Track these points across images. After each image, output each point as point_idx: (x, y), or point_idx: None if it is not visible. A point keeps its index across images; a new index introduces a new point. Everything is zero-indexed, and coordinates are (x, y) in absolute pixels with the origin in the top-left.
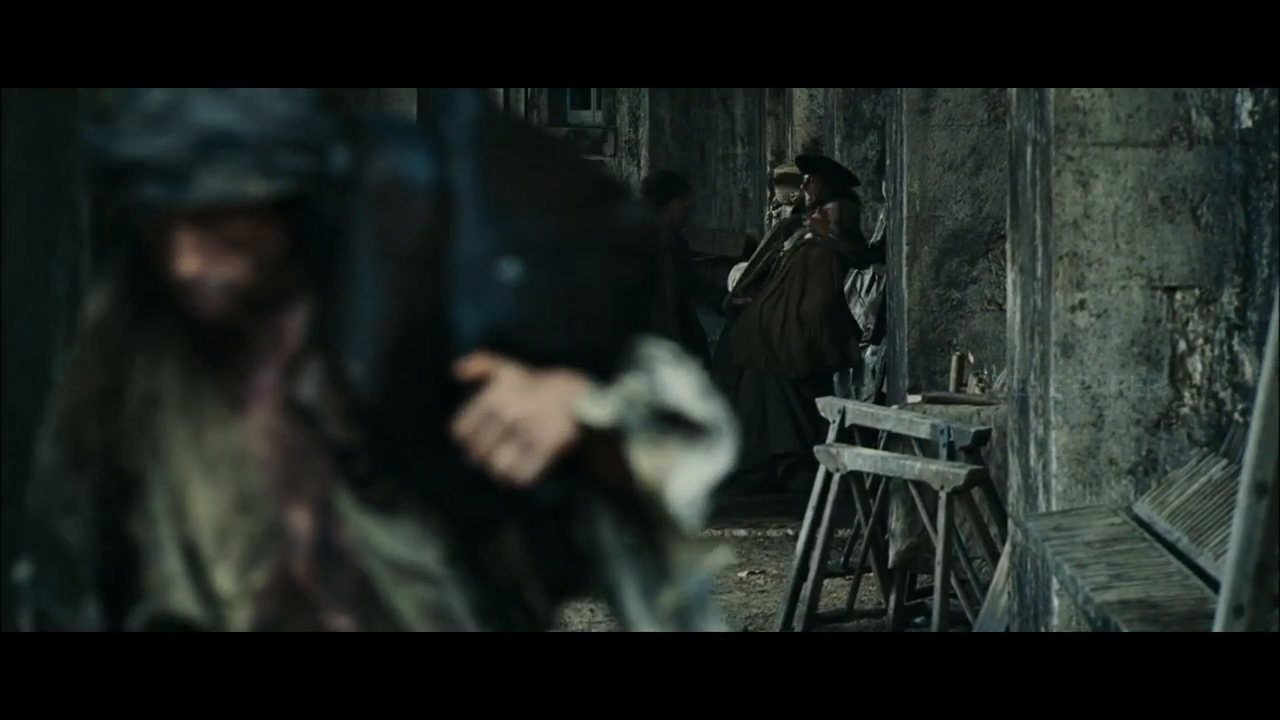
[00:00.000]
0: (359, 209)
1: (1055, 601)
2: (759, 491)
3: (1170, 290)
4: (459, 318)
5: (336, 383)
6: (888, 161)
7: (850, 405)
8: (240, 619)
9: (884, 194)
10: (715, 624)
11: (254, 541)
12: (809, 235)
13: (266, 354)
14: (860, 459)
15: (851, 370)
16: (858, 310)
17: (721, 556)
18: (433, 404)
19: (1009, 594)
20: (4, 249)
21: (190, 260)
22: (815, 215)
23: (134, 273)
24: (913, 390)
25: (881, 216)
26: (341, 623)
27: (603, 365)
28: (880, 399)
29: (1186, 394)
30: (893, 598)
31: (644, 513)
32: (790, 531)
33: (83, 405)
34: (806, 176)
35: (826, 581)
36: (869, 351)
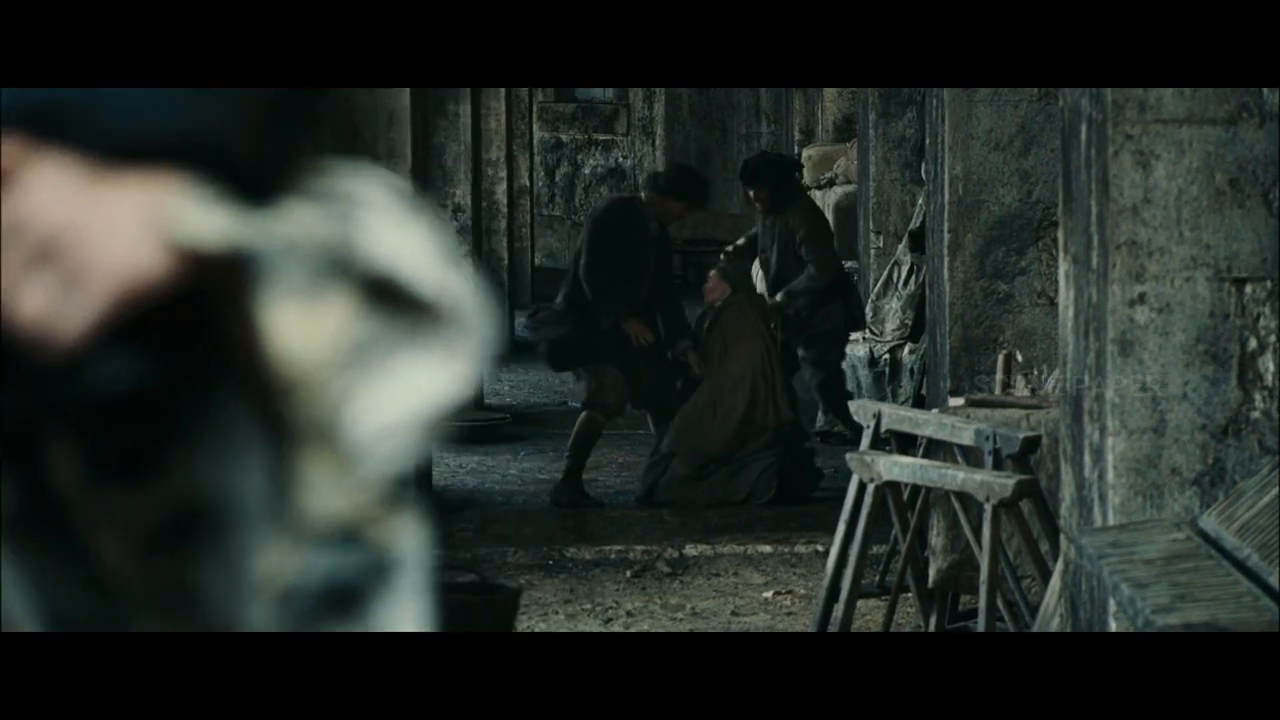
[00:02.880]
0: None
1: (1112, 625)
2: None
3: (1239, 282)
4: None
5: None
6: (928, 141)
7: (886, 409)
8: None
9: (924, 176)
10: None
11: None
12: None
13: None
14: (897, 468)
15: (889, 370)
16: (894, 304)
17: (412, 534)
18: None
19: (1061, 617)
20: None
21: None
22: (708, 286)
23: None
24: (955, 392)
25: (921, 202)
26: None
27: (232, 174)
28: (919, 402)
29: (1257, 396)
30: (933, 620)
31: (294, 429)
32: (820, 547)
33: None
34: (751, 191)
35: (860, 603)
36: (907, 350)
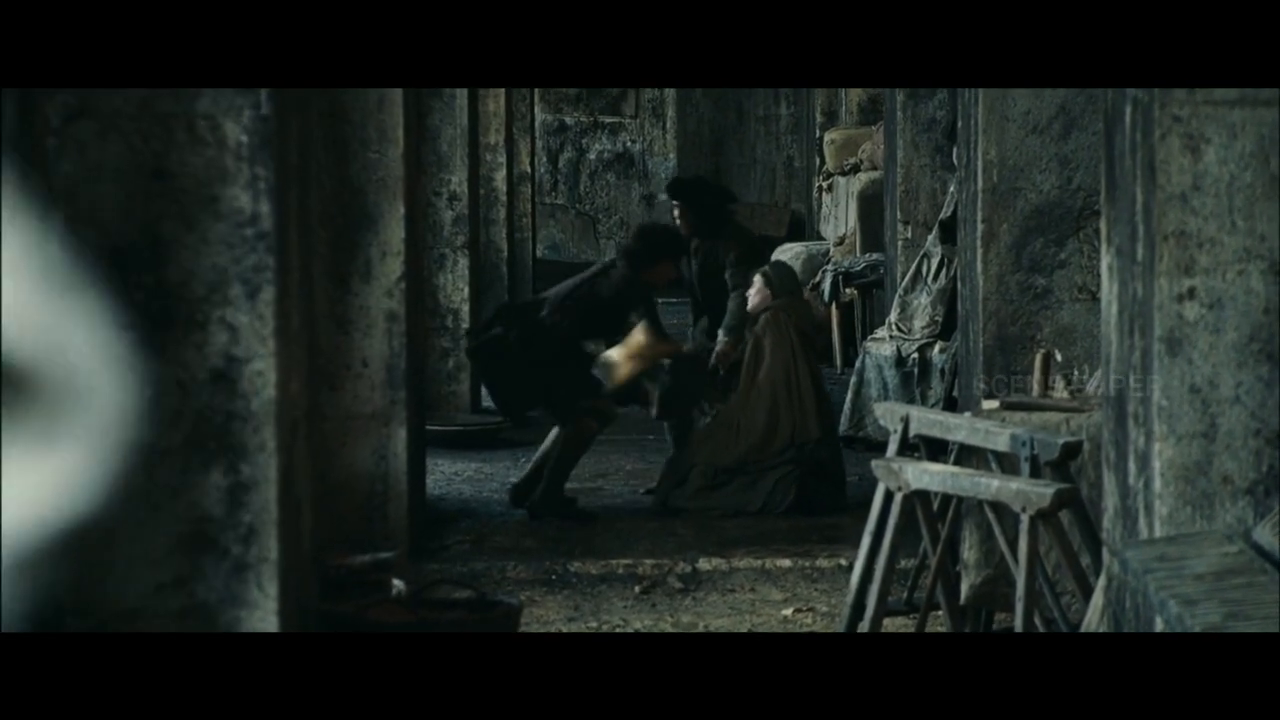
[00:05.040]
0: None
1: None
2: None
3: None
4: None
5: None
6: (960, 124)
7: (915, 412)
8: None
9: (955, 162)
10: None
11: None
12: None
13: None
14: (926, 476)
15: (918, 370)
16: (923, 300)
17: None
18: None
19: None
20: None
21: None
22: (750, 292)
23: None
24: (989, 394)
25: (952, 189)
26: None
27: None
28: (951, 404)
29: None
30: None
31: None
32: (844, 561)
33: None
34: (676, 207)
35: (887, 620)
36: (937, 349)
